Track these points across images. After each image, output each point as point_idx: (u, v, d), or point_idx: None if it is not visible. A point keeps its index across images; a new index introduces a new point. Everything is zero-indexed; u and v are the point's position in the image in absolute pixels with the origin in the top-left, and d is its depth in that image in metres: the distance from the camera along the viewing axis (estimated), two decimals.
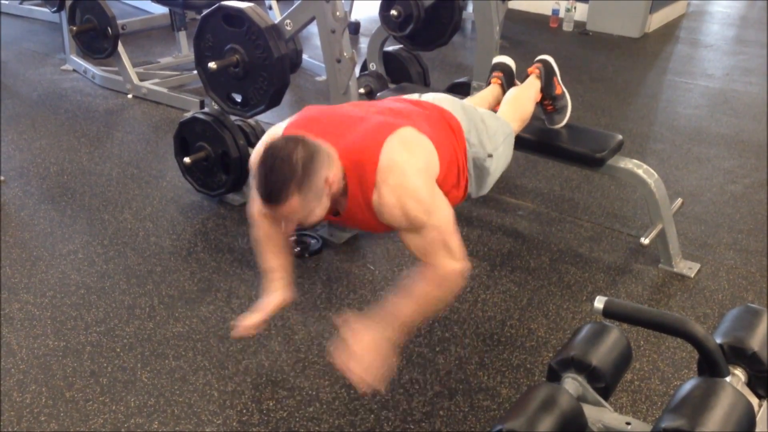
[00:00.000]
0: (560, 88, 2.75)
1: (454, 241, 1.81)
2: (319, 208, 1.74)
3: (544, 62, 2.74)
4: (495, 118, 2.36)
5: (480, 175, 2.18)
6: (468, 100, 2.65)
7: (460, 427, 2.00)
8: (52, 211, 3.02)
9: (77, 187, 3.21)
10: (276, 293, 2.03)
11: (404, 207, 1.76)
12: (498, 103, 2.73)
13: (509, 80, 2.77)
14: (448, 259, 1.81)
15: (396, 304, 1.81)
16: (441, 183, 1.92)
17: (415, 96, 2.28)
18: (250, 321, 2.01)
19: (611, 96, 4.65)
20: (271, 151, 1.67)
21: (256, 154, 1.86)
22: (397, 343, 1.80)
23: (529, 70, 2.73)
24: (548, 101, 2.74)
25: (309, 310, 2.44)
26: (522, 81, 2.76)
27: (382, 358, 1.74)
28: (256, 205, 2.00)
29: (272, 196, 1.67)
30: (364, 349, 1.72)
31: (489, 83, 2.77)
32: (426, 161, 1.85)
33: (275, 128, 1.97)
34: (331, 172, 1.73)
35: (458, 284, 1.84)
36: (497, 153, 2.23)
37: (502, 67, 2.78)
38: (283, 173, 1.65)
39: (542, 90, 2.69)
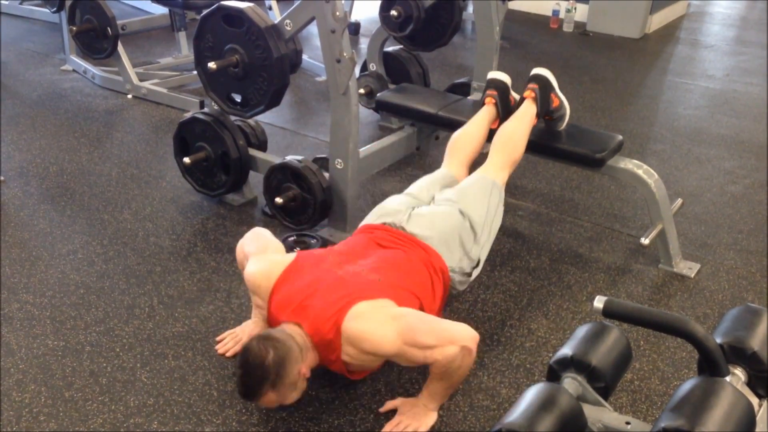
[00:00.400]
0: (557, 100, 2.75)
1: (430, 338, 1.85)
2: (295, 393, 1.91)
3: (540, 81, 2.71)
4: (482, 199, 2.38)
5: (465, 281, 2.30)
6: (462, 134, 2.70)
7: (459, 427, 2.00)
8: (52, 211, 3.02)
9: (77, 187, 3.21)
10: (257, 324, 2.23)
11: (373, 347, 1.87)
12: (494, 120, 2.75)
13: (504, 98, 2.77)
14: (437, 352, 1.85)
15: (431, 388, 1.98)
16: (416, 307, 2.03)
17: (404, 219, 2.28)
18: (227, 348, 2.24)
19: (611, 97, 4.65)
20: (245, 355, 1.84)
21: (240, 250, 2.21)
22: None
23: (525, 95, 2.71)
24: (547, 115, 2.74)
25: None
26: (520, 90, 2.75)
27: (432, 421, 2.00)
28: (242, 251, 2.21)
29: (249, 395, 1.88)
30: (422, 422, 1.98)
31: (483, 103, 2.77)
32: (384, 316, 1.90)
33: (273, 264, 2.08)
34: (304, 364, 1.89)
35: (465, 360, 1.89)
36: (484, 251, 2.34)
37: (497, 84, 2.78)
38: (257, 377, 1.82)
39: (538, 115, 2.69)
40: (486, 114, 2.75)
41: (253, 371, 1.82)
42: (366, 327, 1.86)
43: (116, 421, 1.97)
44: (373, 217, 2.35)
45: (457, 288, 2.29)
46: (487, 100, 2.76)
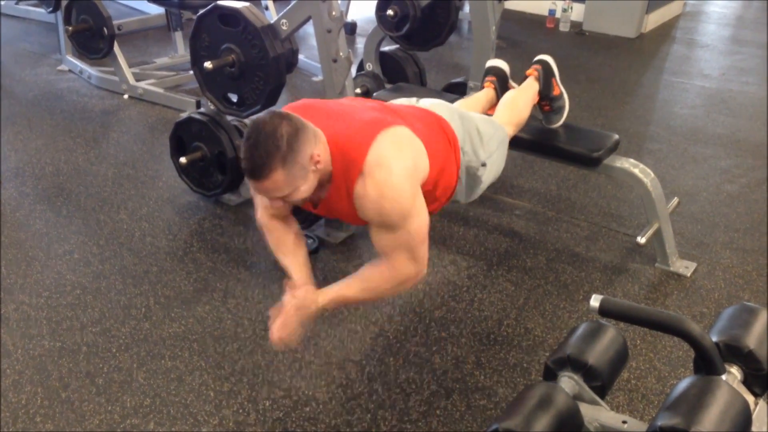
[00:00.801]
0: (558, 89, 2.75)
1: (422, 248, 1.83)
2: (305, 185, 1.73)
3: (543, 63, 2.74)
4: (490, 124, 2.36)
5: (471, 182, 2.21)
6: (461, 103, 2.66)
7: (456, 427, 2.00)
8: (48, 211, 3.02)
9: (73, 188, 3.21)
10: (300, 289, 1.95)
11: (383, 205, 1.77)
12: (492, 106, 2.73)
13: (503, 84, 2.77)
14: (410, 262, 1.83)
15: (344, 283, 1.87)
16: (429, 187, 1.94)
17: (412, 100, 2.29)
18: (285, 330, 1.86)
19: (608, 96, 4.65)
20: (255, 126, 1.68)
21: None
22: (327, 312, 1.88)
23: (528, 72, 2.72)
24: (545, 102, 2.74)
25: None
26: (518, 83, 2.76)
27: (305, 320, 1.82)
28: (260, 210, 2.01)
29: (256, 170, 1.67)
30: (293, 308, 1.80)
31: (483, 87, 2.77)
32: (415, 163, 1.84)
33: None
34: (317, 148, 1.73)
35: (410, 287, 1.88)
36: (491, 160, 2.25)
37: (496, 72, 2.78)
38: (267, 148, 1.65)
39: (540, 92, 2.69)
40: (485, 95, 2.73)
41: (264, 142, 1.65)
42: (396, 162, 1.74)
43: (113, 421, 1.97)
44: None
45: (463, 185, 2.16)
46: (486, 84, 2.75)
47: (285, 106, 1.94)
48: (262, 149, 1.65)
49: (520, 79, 2.76)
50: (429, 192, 1.96)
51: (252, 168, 1.67)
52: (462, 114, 2.26)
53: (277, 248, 2.01)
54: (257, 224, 2.05)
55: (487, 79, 2.77)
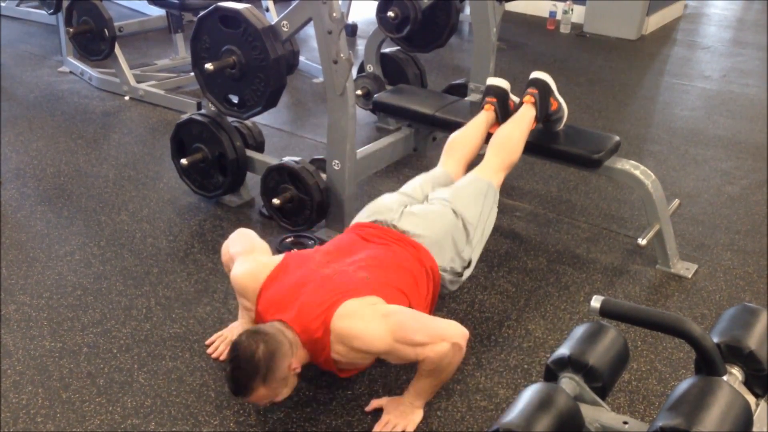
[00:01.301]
0: (556, 103, 2.74)
1: (421, 335, 1.85)
2: (286, 389, 1.90)
3: (539, 84, 2.70)
4: (477, 200, 2.37)
5: (456, 281, 2.29)
6: (461, 133, 2.69)
7: (457, 428, 2.00)
8: (49, 212, 3.02)
9: (74, 189, 3.21)
10: (243, 325, 2.21)
11: (365, 356, 1.91)
12: (492, 126, 2.74)
13: (503, 105, 2.76)
14: (429, 349, 1.85)
15: (418, 385, 1.98)
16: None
17: (397, 213, 2.28)
18: (220, 352, 2.23)
19: (608, 98, 4.66)
20: (235, 350, 1.83)
21: (225, 252, 2.21)
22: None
23: (524, 99, 2.70)
24: (545, 119, 2.74)
25: None
26: (518, 93, 2.75)
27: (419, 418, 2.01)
28: (227, 252, 2.20)
29: (239, 391, 1.85)
30: (409, 420, 1.99)
31: (482, 108, 2.77)
32: (373, 313, 1.89)
33: (261, 266, 2.07)
34: (294, 358, 1.87)
35: (455, 357, 1.89)
36: (478, 247, 2.34)
37: (496, 91, 2.77)
38: (248, 372, 1.81)
39: (537, 117, 2.69)
40: (485, 118, 2.74)
41: (243, 366, 1.80)
42: (356, 325, 1.86)
43: (113, 422, 1.97)
44: (365, 215, 2.34)
45: (448, 288, 2.28)
46: (487, 106, 2.75)
47: (266, 268, 2.05)
48: (242, 373, 1.81)
49: (520, 87, 2.75)
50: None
51: (235, 389, 1.86)
52: (446, 219, 2.28)
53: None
54: (222, 261, 2.26)
55: (487, 100, 2.76)
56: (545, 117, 2.73)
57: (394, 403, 2.01)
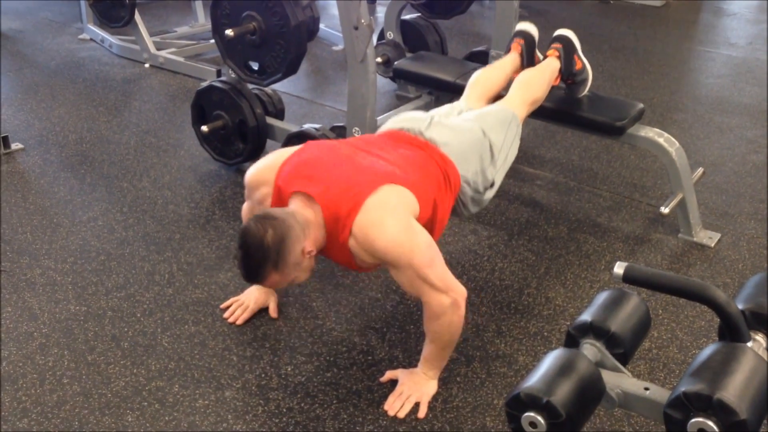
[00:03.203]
0: (581, 63, 2.70)
1: (434, 274, 1.82)
2: (302, 274, 1.87)
3: (564, 40, 2.67)
4: (501, 125, 2.31)
5: (478, 201, 2.22)
6: (485, 71, 2.64)
7: (477, 393, 2.01)
8: (72, 179, 3.04)
9: (96, 156, 3.23)
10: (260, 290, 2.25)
11: (379, 254, 1.83)
12: (516, 71, 2.70)
13: (530, 50, 2.72)
14: (434, 293, 1.83)
15: (426, 351, 1.98)
16: (422, 222, 1.94)
17: (425, 122, 2.22)
18: (236, 317, 2.24)
19: (632, 65, 4.58)
20: (243, 237, 1.78)
21: (252, 171, 2.04)
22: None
23: (548, 53, 2.67)
24: (569, 78, 2.70)
25: (326, 278, 2.44)
26: (543, 54, 2.72)
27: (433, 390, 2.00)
28: (246, 208, 2.13)
29: (251, 277, 1.85)
30: (422, 398, 1.97)
31: (509, 49, 2.73)
32: (404, 211, 1.86)
33: (277, 154, 2.01)
34: (307, 241, 1.81)
35: (455, 316, 1.87)
36: (502, 168, 2.28)
37: (525, 35, 2.73)
38: (257, 258, 1.77)
39: (562, 72, 2.65)
40: (510, 60, 2.69)
41: (253, 253, 1.76)
42: (387, 222, 1.80)
43: (138, 384, 2.00)
44: (392, 123, 2.26)
45: (468, 208, 2.21)
46: (514, 46, 2.71)
47: (290, 153, 1.98)
48: (252, 260, 1.78)
49: (544, 51, 2.72)
50: (424, 226, 1.97)
51: (248, 276, 1.84)
52: (474, 135, 2.22)
53: None
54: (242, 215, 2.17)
55: (515, 40, 2.72)
56: (569, 76, 2.69)
57: (409, 374, 2.01)
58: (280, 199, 1.93)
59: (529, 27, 2.76)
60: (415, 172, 1.99)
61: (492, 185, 2.24)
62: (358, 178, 1.86)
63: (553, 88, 2.65)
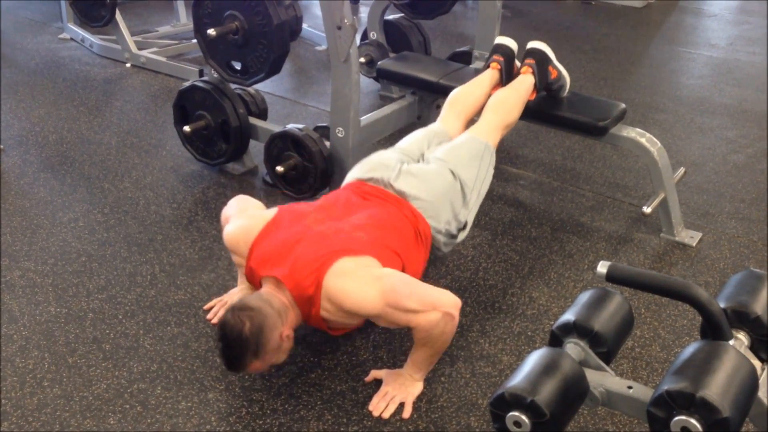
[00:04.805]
0: (555, 71, 2.72)
1: (415, 301, 1.83)
2: (281, 354, 1.90)
3: (537, 55, 2.68)
4: (473, 160, 2.33)
5: (451, 243, 2.26)
6: (464, 89, 2.67)
7: (461, 393, 2.01)
8: (52, 179, 3.01)
9: (77, 156, 3.20)
10: (242, 290, 2.24)
11: (354, 312, 1.88)
12: (495, 86, 2.71)
13: (509, 65, 2.73)
14: (421, 317, 1.84)
15: (415, 357, 1.98)
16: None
17: (395, 170, 2.22)
18: (216, 317, 2.24)
19: (614, 66, 4.61)
20: (223, 330, 1.81)
21: (224, 218, 2.14)
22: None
23: (522, 70, 2.68)
24: (545, 89, 2.72)
25: None
26: (521, 62, 2.72)
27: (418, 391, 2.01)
28: (225, 217, 2.16)
29: (233, 368, 1.87)
30: (407, 398, 1.98)
31: (488, 66, 2.74)
32: (362, 269, 1.89)
33: (252, 221, 2.04)
34: (284, 327, 1.86)
35: (448, 326, 1.87)
36: (474, 209, 2.31)
37: (503, 50, 2.74)
38: (237, 349, 1.80)
39: (536, 86, 2.67)
40: (489, 77, 2.71)
41: (233, 345, 1.80)
42: (348, 285, 1.84)
43: (120, 386, 1.98)
44: (361, 171, 2.28)
45: (442, 250, 2.25)
46: (492, 65, 2.73)
47: (258, 224, 2.02)
48: (233, 352, 1.81)
49: (523, 56, 2.72)
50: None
51: (229, 366, 1.87)
52: (444, 181, 2.23)
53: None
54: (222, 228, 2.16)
55: (493, 58, 2.73)
56: (546, 86, 2.71)
57: (394, 374, 2.00)
58: (252, 277, 2.00)
59: (507, 41, 2.77)
60: (385, 235, 2.02)
61: (464, 227, 2.28)
62: (318, 253, 1.89)
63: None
